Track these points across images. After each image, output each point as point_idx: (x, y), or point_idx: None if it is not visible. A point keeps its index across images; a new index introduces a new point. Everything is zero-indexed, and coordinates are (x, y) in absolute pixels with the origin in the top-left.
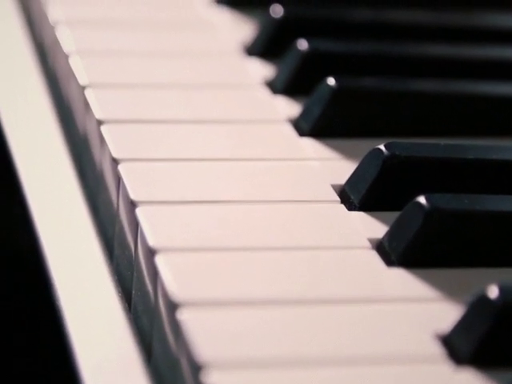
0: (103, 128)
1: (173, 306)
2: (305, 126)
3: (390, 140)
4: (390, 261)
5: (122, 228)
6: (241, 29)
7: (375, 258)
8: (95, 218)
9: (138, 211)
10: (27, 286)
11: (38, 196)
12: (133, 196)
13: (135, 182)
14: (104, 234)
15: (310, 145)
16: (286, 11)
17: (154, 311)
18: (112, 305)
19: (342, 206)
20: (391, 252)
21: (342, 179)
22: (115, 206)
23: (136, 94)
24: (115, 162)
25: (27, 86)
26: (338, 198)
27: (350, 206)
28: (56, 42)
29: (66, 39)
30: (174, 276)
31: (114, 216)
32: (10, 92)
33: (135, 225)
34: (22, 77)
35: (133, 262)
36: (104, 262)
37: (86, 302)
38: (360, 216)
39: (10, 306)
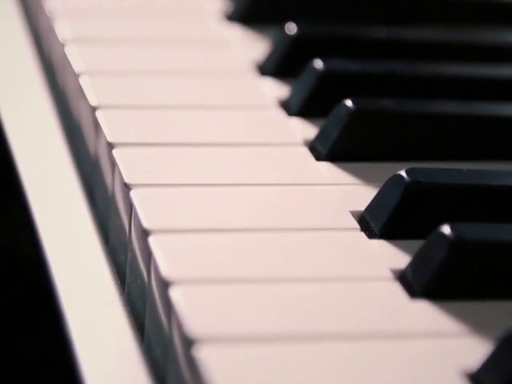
0: (115, 152)
1: (189, 342)
2: (321, 150)
3: (410, 164)
4: (413, 292)
5: (134, 255)
6: (253, 46)
7: (398, 290)
8: (105, 242)
9: (151, 240)
10: (38, 323)
11: (47, 220)
12: (146, 224)
13: (148, 208)
14: (115, 259)
15: (327, 169)
16: (299, 29)
17: (168, 344)
18: (124, 334)
19: (362, 233)
20: (414, 283)
21: (362, 205)
22: (127, 232)
23: (148, 116)
24: (127, 187)
25: (35, 104)
26: (358, 226)
27: (371, 234)
28: (65, 60)
29: (76, 58)
30: (190, 309)
31: (126, 242)
32: (17, 109)
33: (148, 253)
34: (29, 94)
35: (146, 292)
36: (115, 289)
37: (96, 331)
38: (381, 245)
39: (21, 339)
